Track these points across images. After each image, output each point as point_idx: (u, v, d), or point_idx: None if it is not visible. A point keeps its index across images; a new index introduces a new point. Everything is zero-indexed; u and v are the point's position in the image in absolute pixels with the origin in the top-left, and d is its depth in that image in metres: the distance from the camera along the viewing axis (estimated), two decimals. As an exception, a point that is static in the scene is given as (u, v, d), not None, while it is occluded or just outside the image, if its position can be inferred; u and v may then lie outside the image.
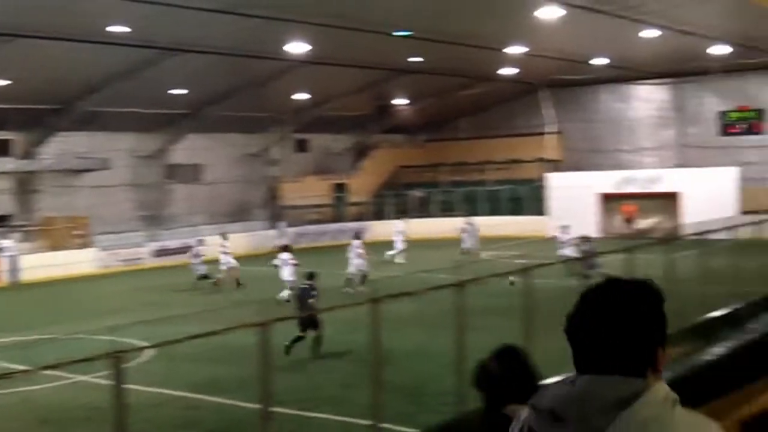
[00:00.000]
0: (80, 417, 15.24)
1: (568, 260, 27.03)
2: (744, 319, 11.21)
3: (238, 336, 10.07)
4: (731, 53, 40.59)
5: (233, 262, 32.29)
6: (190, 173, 48.43)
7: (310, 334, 19.23)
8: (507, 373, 3.78)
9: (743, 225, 18.36)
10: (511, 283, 17.39)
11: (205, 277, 32.03)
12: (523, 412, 2.55)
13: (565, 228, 32.40)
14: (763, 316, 10.88)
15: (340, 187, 54.10)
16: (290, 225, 48.93)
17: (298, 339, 18.95)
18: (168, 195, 46.67)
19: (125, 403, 7.83)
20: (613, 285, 2.48)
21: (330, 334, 20.49)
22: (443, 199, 53.02)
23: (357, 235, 28.90)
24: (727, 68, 45.56)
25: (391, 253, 37.70)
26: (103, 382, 10.22)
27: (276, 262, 27.72)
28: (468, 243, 37.25)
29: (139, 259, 41.34)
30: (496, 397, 3.75)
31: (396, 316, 20.84)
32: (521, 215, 47.97)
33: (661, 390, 2.35)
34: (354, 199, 53.60)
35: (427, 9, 30.44)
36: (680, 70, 48.63)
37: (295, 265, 26.89)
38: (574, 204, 43.60)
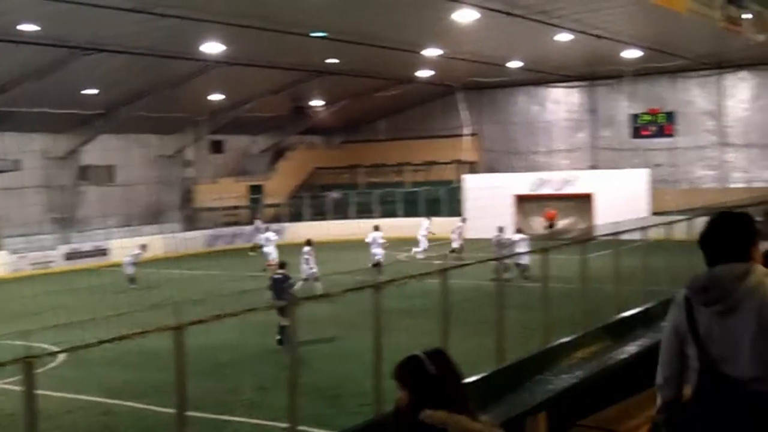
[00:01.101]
0: (-11, 424, 14.86)
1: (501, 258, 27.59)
2: (656, 318, 11.42)
3: (154, 340, 9.92)
4: (643, 57, 41.42)
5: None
6: (103, 175, 47.57)
7: (285, 320, 19.42)
8: (439, 375, 3.73)
9: (656, 225, 18.71)
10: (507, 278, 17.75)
11: (131, 280, 31.66)
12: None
13: (501, 229, 32.78)
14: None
15: (256, 189, 53.73)
16: (205, 227, 48.53)
17: (284, 328, 18.98)
18: (80, 197, 45.82)
19: (37, 410, 7.64)
20: (726, 215, 4.32)
21: (246, 338, 20.38)
22: (360, 200, 53.04)
23: (308, 242, 29.09)
24: (639, 72, 46.54)
25: (416, 250, 37.79)
26: (14, 388, 9.98)
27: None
28: (456, 243, 37.29)
29: (50, 262, 40.43)
30: (422, 397, 3.70)
31: (313, 319, 20.86)
32: (439, 216, 48.25)
33: (759, 268, 4.14)
34: (270, 200, 53.27)
35: (344, 11, 30.41)
36: (594, 73, 49.55)
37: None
38: (490, 205, 43.99)
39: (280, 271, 21.61)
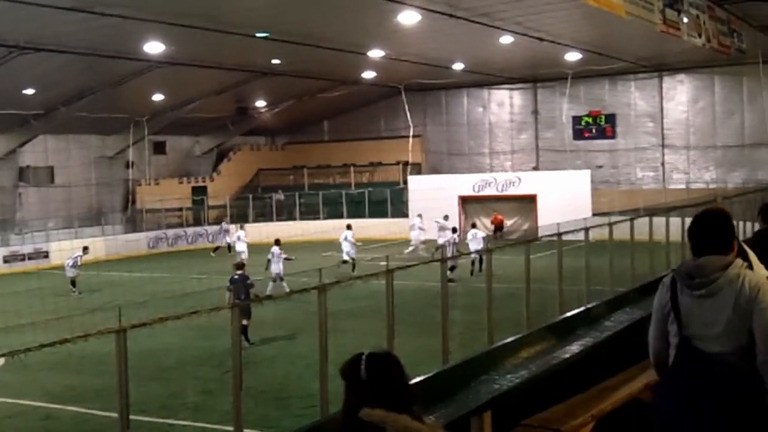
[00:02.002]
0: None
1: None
2: (599, 318, 11.55)
3: (96, 344, 9.81)
4: (584, 60, 41.85)
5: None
6: (42, 176, 46.91)
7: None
8: (378, 376, 3.74)
9: (599, 226, 18.90)
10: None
11: (73, 283, 31.23)
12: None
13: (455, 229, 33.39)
14: (617, 313, 11.25)
15: (199, 190, 53.34)
16: (147, 229, 48.09)
17: (246, 327, 19.48)
18: (19, 198, 45.11)
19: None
20: (710, 212, 4.97)
21: (190, 341, 20.24)
22: (305, 202, 52.92)
23: (277, 241, 29.18)
24: (581, 74, 47.04)
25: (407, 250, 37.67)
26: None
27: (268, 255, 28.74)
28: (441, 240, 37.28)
29: (-12, 265, 39.77)
30: (357, 395, 3.71)
31: (258, 321, 20.80)
32: (384, 218, 48.33)
33: (739, 261, 4.75)
34: (214, 202, 52.92)
35: (286, 11, 30.27)
36: (536, 75, 49.98)
37: (287, 259, 28.25)
38: (434, 206, 44.12)
39: (239, 271, 21.66)
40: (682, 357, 4.79)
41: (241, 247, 37.73)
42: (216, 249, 43.12)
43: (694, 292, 4.73)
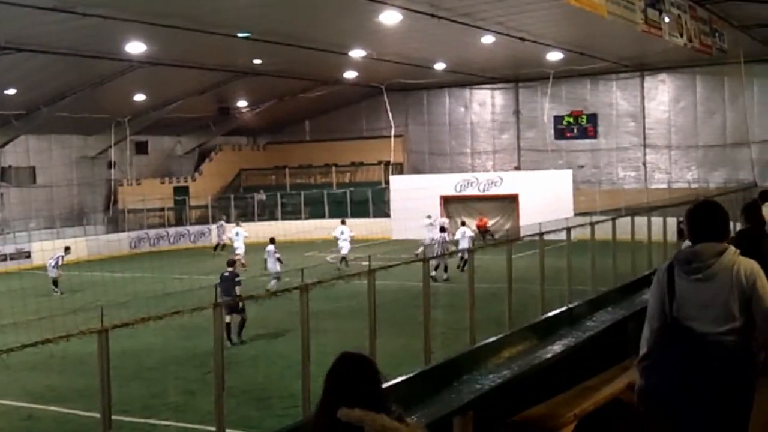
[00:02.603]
0: None
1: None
2: (580, 317, 11.59)
3: (77, 344, 9.79)
4: (566, 59, 41.95)
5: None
6: (24, 176, 46.70)
7: (235, 318, 20.42)
8: (354, 377, 3.78)
9: (581, 225, 18.96)
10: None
11: (55, 283, 31.07)
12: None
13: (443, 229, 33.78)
14: (599, 313, 11.29)
15: (181, 190, 53.20)
16: (129, 229, 47.93)
17: (229, 325, 19.74)
18: (1, 199, 44.88)
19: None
20: (707, 202, 5.58)
21: (171, 341, 20.20)
22: (287, 202, 52.86)
23: (272, 240, 29.27)
24: (563, 74, 47.16)
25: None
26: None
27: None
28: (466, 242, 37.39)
29: (-31, 265, 39.53)
30: (333, 395, 3.74)
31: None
32: (366, 218, 48.31)
33: (732, 248, 5.16)
34: (195, 202, 52.79)
35: (267, 11, 30.21)
36: (518, 75, 50.08)
37: (278, 259, 28.50)
38: (416, 206, 44.11)
39: (230, 268, 21.67)
40: (675, 335, 5.20)
41: (238, 243, 37.85)
42: (216, 247, 42.94)
43: (691, 277, 5.16)
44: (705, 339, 5.05)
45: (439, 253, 28.23)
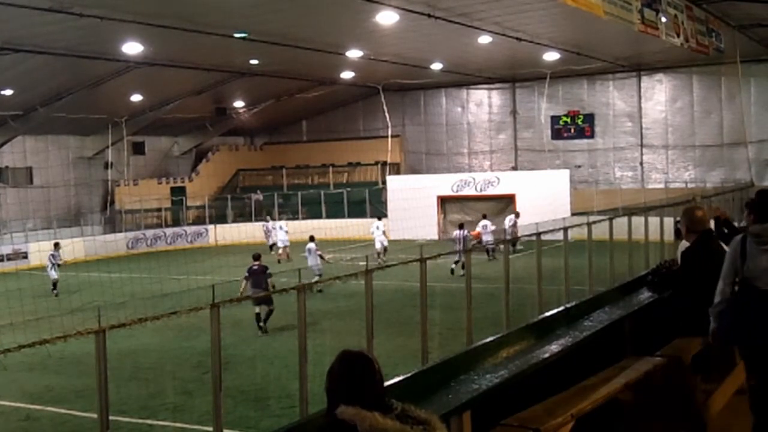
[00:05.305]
0: None
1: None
2: (578, 317, 11.55)
3: (75, 344, 9.79)
4: (563, 60, 41.95)
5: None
6: (21, 177, 46.68)
7: (263, 309, 21.09)
8: (352, 375, 3.82)
9: (578, 225, 18.97)
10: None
11: (54, 283, 30.97)
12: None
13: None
14: (597, 313, 11.26)
15: (178, 191, 53.17)
16: (126, 229, 47.91)
17: (259, 315, 21.10)
18: (-3, 199, 44.91)
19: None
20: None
21: (169, 341, 20.19)
22: (284, 202, 52.85)
23: (311, 238, 29.48)
24: (559, 74, 47.17)
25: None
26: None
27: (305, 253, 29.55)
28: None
29: (-34, 266, 39.47)
30: (339, 396, 3.79)
31: (236, 321, 20.78)
32: (363, 218, 48.29)
33: None
34: (192, 202, 52.77)
35: (265, 12, 30.20)
36: (515, 75, 50.10)
37: (321, 256, 28.94)
38: (413, 206, 44.11)
39: (257, 262, 22.17)
40: (744, 292, 6.85)
41: (282, 236, 39.04)
42: (272, 247, 41.96)
43: (761, 247, 6.78)
44: (766, 294, 6.67)
45: (460, 249, 28.35)
